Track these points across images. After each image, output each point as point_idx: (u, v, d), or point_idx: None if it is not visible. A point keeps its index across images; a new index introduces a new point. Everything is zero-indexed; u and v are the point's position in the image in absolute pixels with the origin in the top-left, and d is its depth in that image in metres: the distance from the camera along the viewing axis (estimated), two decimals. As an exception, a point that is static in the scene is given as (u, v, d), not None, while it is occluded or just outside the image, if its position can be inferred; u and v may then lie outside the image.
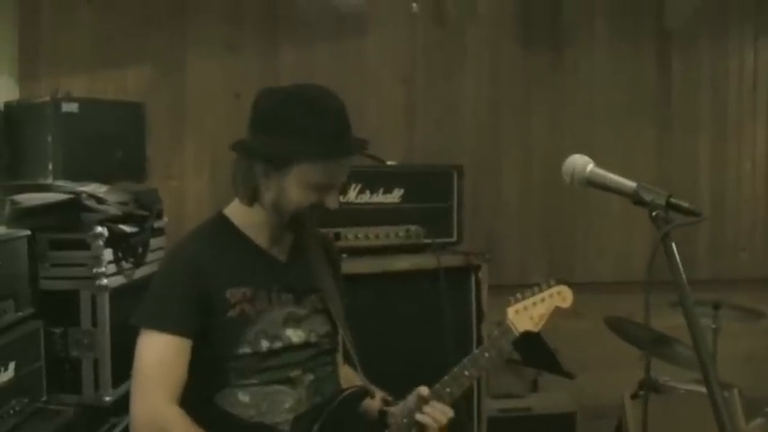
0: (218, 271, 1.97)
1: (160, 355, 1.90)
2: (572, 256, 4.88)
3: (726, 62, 5.12)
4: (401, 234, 3.39)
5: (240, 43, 4.35)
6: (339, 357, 2.24)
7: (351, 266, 3.21)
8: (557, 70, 4.81)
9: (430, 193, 3.42)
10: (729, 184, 5.14)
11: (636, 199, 1.51)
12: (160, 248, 3.48)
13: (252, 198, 2.01)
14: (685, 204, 1.47)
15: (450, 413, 2.12)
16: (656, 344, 4.03)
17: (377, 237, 3.32)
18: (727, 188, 5.09)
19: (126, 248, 3.10)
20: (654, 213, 1.46)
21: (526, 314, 2.28)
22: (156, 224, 3.39)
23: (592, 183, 1.60)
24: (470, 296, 3.58)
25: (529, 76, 4.77)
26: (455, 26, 4.66)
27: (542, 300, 2.32)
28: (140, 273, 3.21)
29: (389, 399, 2.20)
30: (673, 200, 1.48)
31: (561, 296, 2.34)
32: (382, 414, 2.17)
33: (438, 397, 2.12)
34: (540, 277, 4.70)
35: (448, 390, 2.14)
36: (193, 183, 4.28)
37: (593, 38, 4.86)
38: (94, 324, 2.90)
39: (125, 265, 3.08)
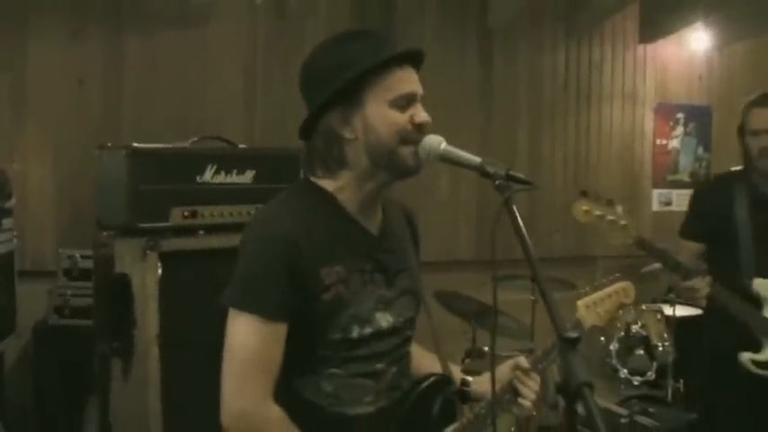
0: (314, 247, 1.77)
1: (259, 343, 1.73)
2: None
3: (541, 60, 5.61)
4: (253, 212, 3.55)
5: (84, 30, 4.35)
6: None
7: (208, 242, 3.43)
8: (389, 63, 5.08)
9: (279, 174, 3.57)
10: (544, 171, 5.63)
11: (482, 171, 1.75)
12: (9, 230, 3.48)
13: (340, 161, 1.84)
14: (521, 175, 1.74)
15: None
16: (481, 315, 4.38)
17: (231, 214, 3.48)
18: (542, 175, 5.56)
19: (-21, 228, 3.10)
20: (497, 183, 1.71)
21: (594, 309, 2.19)
22: (7, 205, 3.39)
23: (444, 158, 1.84)
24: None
25: (364, 67, 5.01)
26: (295, 18, 4.86)
27: (608, 296, 2.23)
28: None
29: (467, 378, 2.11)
30: (511, 172, 1.74)
31: (626, 293, 2.27)
32: (464, 383, 2.09)
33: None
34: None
35: None
36: (36, 167, 4.26)
37: (423, 33, 5.18)
38: (-50, 306, 2.85)
39: (-22, 245, 3.09)
